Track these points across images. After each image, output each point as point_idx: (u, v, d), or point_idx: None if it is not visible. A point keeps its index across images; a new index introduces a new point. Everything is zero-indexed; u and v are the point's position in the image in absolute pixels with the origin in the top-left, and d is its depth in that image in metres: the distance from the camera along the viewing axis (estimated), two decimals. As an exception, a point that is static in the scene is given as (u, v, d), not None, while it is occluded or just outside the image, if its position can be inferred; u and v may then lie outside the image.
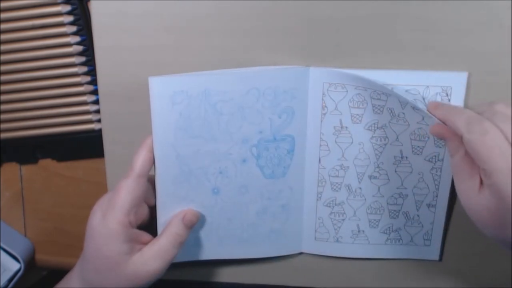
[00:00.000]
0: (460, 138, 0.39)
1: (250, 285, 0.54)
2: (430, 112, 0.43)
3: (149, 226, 0.46)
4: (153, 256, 0.43)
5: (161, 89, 0.43)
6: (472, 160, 0.39)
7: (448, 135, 0.41)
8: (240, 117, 0.45)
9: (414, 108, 0.45)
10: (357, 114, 0.46)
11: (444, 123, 0.41)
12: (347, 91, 0.46)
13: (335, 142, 0.47)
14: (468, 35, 0.44)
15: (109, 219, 0.42)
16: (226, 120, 0.45)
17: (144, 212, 0.45)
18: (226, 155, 0.46)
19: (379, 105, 0.46)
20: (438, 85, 0.45)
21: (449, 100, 0.45)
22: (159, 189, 0.45)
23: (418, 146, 0.46)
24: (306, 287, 0.53)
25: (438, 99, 0.45)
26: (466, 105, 0.45)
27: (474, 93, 0.45)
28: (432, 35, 0.44)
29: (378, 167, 0.48)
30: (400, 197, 0.48)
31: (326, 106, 0.46)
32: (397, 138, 0.47)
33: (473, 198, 0.38)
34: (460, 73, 0.45)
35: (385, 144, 0.47)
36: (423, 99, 0.45)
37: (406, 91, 0.45)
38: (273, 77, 0.45)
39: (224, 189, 0.47)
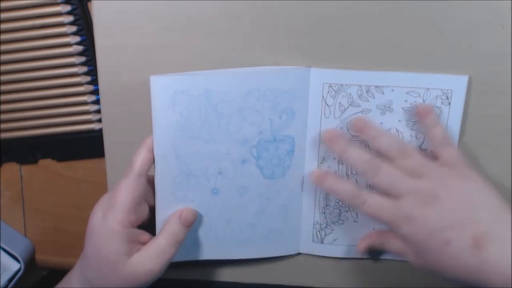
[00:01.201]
0: (374, 237, 0.47)
1: (250, 284, 0.54)
2: (317, 182, 0.46)
3: (150, 226, 0.46)
4: (151, 256, 0.43)
5: (162, 88, 0.43)
6: (394, 237, 0.45)
7: (369, 246, 0.48)
8: (240, 117, 0.45)
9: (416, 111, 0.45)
10: (358, 115, 0.46)
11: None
12: (347, 92, 0.46)
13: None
14: (468, 36, 0.44)
15: (109, 218, 0.42)
16: (227, 120, 0.45)
17: (145, 211, 0.45)
18: (226, 156, 0.46)
19: (380, 106, 0.46)
20: (439, 88, 0.45)
21: (449, 104, 0.45)
22: (159, 189, 0.45)
23: (418, 146, 0.47)
24: (305, 287, 0.53)
25: (439, 102, 0.45)
26: (466, 108, 0.45)
27: (474, 94, 0.45)
28: (433, 35, 0.44)
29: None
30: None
31: (326, 107, 0.46)
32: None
33: (416, 262, 0.43)
34: (461, 77, 0.45)
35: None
36: (423, 101, 0.45)
37: (407, 93, 0.45)
38: (273, 78, 0.45)
39: (224, 190, 0.47)
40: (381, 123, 0.46)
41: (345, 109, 0.46)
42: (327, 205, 0.49)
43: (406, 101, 0.45)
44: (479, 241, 0.39)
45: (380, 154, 0.44)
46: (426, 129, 0.45)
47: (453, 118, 0.45)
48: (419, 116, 0.45)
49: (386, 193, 0.43)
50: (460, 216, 0.40)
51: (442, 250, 0.40)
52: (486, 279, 0.38)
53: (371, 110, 0.46)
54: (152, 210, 0.46)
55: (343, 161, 0.46)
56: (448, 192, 0.41)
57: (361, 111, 0.46)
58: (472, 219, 0.40)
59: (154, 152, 0.44)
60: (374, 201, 0.43)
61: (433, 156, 0.44)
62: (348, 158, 0.44)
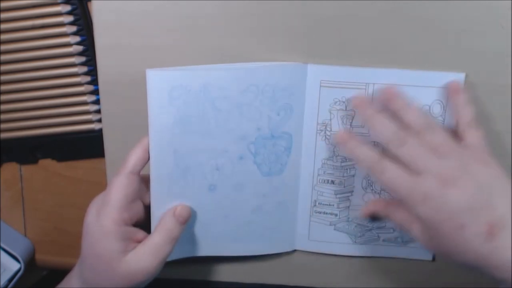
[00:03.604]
0: (382, 204, 0.46)
1: (247, 284, 0.54)
2: (338, 145, 0.46)
3: (146, 224, 0.46)
4: (146, 254, 0.43)
5: (160, 82, 0.43)
6: (402, 209, 0.43)
7: (374, 211, 0.46)
8: (238, 113, 0.45)
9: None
10: (355, 111, 0.46)
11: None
12: (344, 88, 0.46)
13: (332, 139, 0.47)
14: (468, 35, 0.44)
15: (103, 217, 0.42)
16: (224, 116, 0.45)
17: (139, 209, 0.45)
18: (223, 152, 0.46)
19: (377, 103, 0.46)
20: (436, 86, 0.45)
21: (447, 101, 0.45)
22: (154, 185, 0.45)
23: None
24: (301, 286, 0.53)
25: (436, 99, 0.45)
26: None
27: (474, 94, 0.45)
28: (432, 35, 0.44)
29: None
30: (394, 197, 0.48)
31: (323, 103, 0.46)
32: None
33: (421, 238, 0.42)
34: (457, 74, 0.45)
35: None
36: (421, 100, 0.45)
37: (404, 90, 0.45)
38: (271, 74, 0.45)
39: (221, 186, 0.47)
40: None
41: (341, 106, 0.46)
42: (324, 202, 0.49)
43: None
44: (493, 228, 0.38)
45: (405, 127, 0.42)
46: (454, 108, 0.44)
47: (450, 117, 0.45)
48: (448, 94, 0.44)
49: (407, 166, 0.41)
50: (478, 201, 0.39)
51: (456, 233, 0.39)
52: (494, 266, 0.38)
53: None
54: (148, 209, 0.46)
55: (369, 128, 0.45)
56: (469, 176, 0.40)
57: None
58: (489, 206, 0.39)
59: (150, 148, 0.44)
60: (393, 173, 0.41)
61: (456, 137, 0.43)
62: (374, 125, 0.43)
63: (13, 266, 0.57)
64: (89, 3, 0.50)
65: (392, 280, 0.52)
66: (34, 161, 0.58)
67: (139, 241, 0.44)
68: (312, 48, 0.46)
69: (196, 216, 0.47)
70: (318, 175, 0.48)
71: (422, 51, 0.45)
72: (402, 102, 0.43)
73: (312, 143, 0.47)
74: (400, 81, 0.45)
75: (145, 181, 0.45)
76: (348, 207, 0.49)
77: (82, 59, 0.52)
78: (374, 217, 0.48)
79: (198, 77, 0.44)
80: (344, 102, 0.46)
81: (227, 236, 0.49)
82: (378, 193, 0.48)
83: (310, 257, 0.52)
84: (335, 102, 0.46)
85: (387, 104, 0.44)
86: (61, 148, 0.56)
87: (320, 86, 0.46)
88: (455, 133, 0.43)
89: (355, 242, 0.50)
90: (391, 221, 0.45)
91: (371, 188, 0.48)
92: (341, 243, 0.50)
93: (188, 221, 0.46)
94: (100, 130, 0.52)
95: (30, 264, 0.60)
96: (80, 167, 0.57)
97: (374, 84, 0.45)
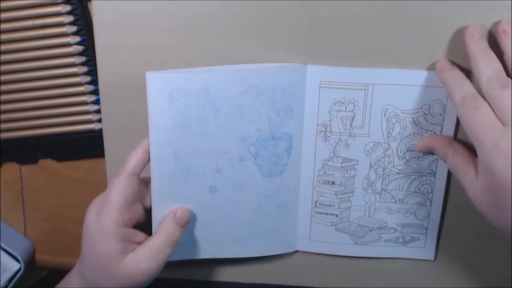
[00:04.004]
0: (444, 142, 0.44)
1: (248, 284, 0.54)
2: (436, 72, 0.43)
3: (146, 227, 0.46)
4: (146, 256, 0.43)
5: (160, 85, 0.43)
6: (463, 153, 0.42)
7: (433, 147, 0.45)
8: (238, 115, 0.45)
9: (412, 109, 0.45)
10: (354, 112, 0.46)
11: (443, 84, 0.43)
12: (344, 89, 0.46)
13: (332, 140, 0.47)
14: (468, 35, 0.44)
15: (102, 217, 0.42)
16: (224, 118, 0.45)
17: (139, 211, 0.45)
18: (224, 154, 0.46)
19: (377, 104, 0.46)
20: (436, 86, 0.44)
21: (446, 101, 0.45)
22: (155, 187, 0.45)
23: (413, 147, 0.47)
24: (302, 286, 0.53)
25: (435, 99, 0.45)
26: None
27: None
28: (432, 34, 0.44)
29: (372, 167, 0.48)
30: (395, 197, 0.48)
31: (323, 104, 0.46)
32: (394, 138, 0.47)
33: (473, 188, 0.40)
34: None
35: (382, 144, 0.47)
36: (421, 99, 0.45)
37: (403, 90, 0.45)
38: (271, 75, 0.45)
39: (221, 188, 0.47)
40: (380, 120, 0.46)
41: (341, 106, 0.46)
42: (324, 203, 0.49)
43: (402, 100, 0.45)
44: None
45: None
46: (505, 54, 0.40)
47: (449, 116, 0.45)
48: (498, 36, 0.41)
49: (497, 113, 0.39)
50: None
51: None
52: None
53: (368, 107, 0.46)
54: (148, 212, 0.46)
55: (472, 63, 0.40)
56: None
57: (355, 108, 0.46)
58: None
59: (150, 150, 0.44)
60: (485, 113, 0.38)
61: None
62: (479, 60, 0.40)
63: (13, 266, 0.57)
64: (89, 3, 0.50)
65: (393, 281, 0.52)
66: (34, 161, 0.58)
67: (139, 243, 0.44)
68: (312, 49, 0.45)
69: (197, 218, 0.48)
70: (319, 175, 0.48)
71: (422, 51, 0.45)
72: None
73: (312, 144, 0.47)
74: (400, 81, 0.45)
75: (144, 183, 0.45)
76: (349, 207, 0.49)
77: (82, 59, 0.52)
78: (428, 153, 0.46)
79: (197, 79, 0.44)
80: (343, 103, 0.46)
81: (228, 238, 0.49)
82: (378, 193, 0.48)
83: (311, 258, 0.52)
84: (335, 103, 0.46)
85: (500, 40, 0.41)
86: (61, 148, 0.56)
87: (320, 87, 0.46)
88: None
89: (356, 242, 0.50)
90: (445, 162, 0.44)
91: (371, 188, 0.48)
92: (342, 244, 0.50)
93: (188, 224, 0.46)
94: (100, 130, 0.52)
95: (30, 264, 0.60)
96: (80, 167, 0.57)
97: (374, 84, 0.45)
